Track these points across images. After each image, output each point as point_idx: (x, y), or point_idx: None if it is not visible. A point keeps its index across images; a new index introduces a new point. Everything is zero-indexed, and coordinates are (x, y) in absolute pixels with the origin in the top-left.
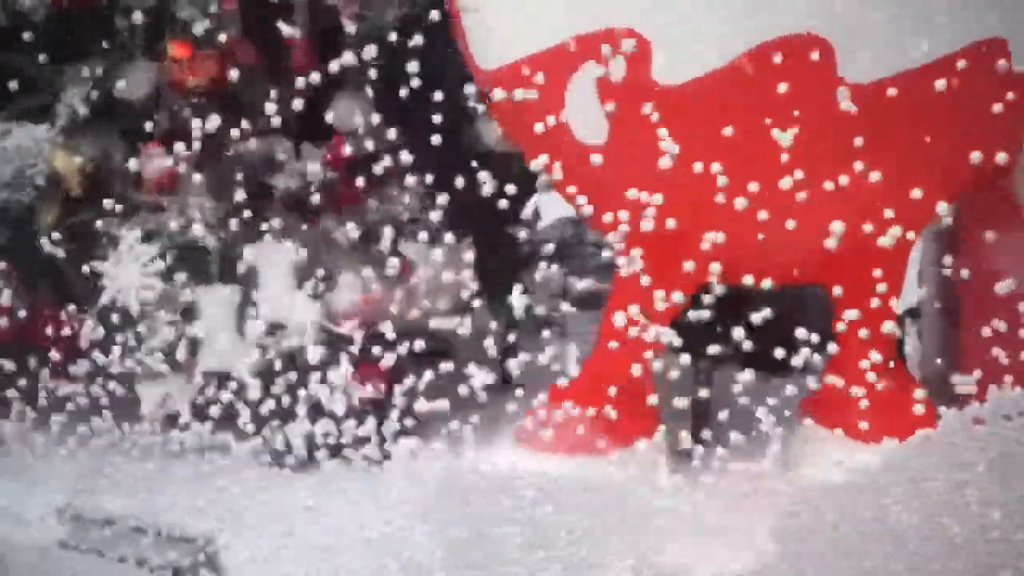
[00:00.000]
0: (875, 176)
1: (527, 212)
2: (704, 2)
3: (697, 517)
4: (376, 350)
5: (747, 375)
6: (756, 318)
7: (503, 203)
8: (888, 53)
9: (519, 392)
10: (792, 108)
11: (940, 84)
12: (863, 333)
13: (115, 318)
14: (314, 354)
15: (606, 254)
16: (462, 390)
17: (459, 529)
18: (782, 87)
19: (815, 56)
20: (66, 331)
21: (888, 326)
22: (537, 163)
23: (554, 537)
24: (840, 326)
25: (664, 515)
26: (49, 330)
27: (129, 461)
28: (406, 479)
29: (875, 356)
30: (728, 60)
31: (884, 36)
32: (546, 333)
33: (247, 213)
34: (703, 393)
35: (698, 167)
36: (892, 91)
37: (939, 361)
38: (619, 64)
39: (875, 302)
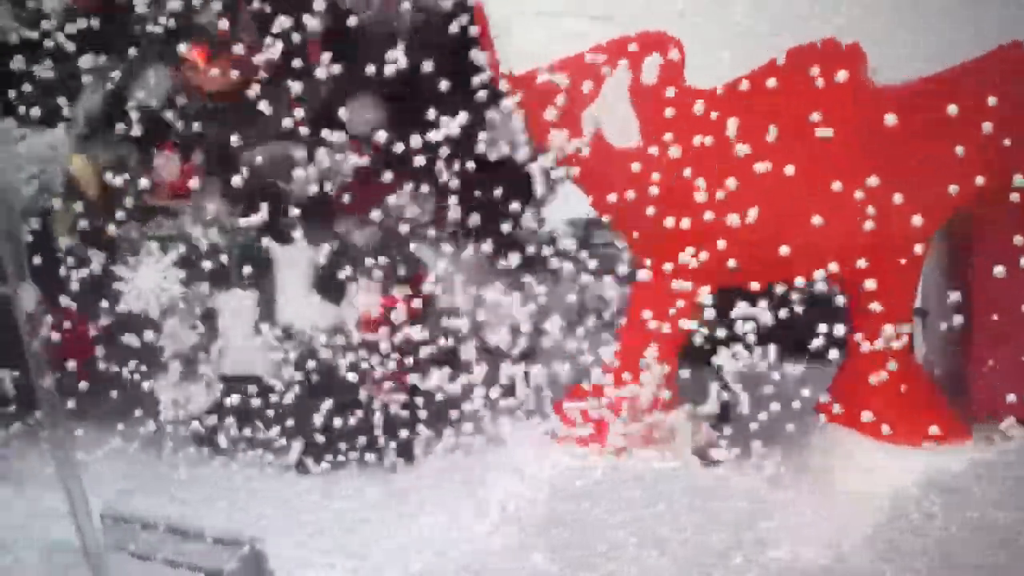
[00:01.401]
0: (898, 178)
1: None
2: (737, 5)
3: (801, 515)
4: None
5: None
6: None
7: (519, 205)
8: (916, 57)
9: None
10: (822, 111)
11: (965, 88)
12: (878, 334)
13: (135, 322)
14: (334, 357)
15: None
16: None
17: (569, 530)
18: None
19: (845, 59)
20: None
21: (903, 327)
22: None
23: (664, 535)
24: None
25: (771, 512)
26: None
27: (173, 464)
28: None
29: (890, 358)
30: (761, 63)
31: (913, 40)
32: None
33: (264, 217)
34: (725, 395)
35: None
36: (919, 94)
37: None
38: (652, 67)
39: (890, 303)
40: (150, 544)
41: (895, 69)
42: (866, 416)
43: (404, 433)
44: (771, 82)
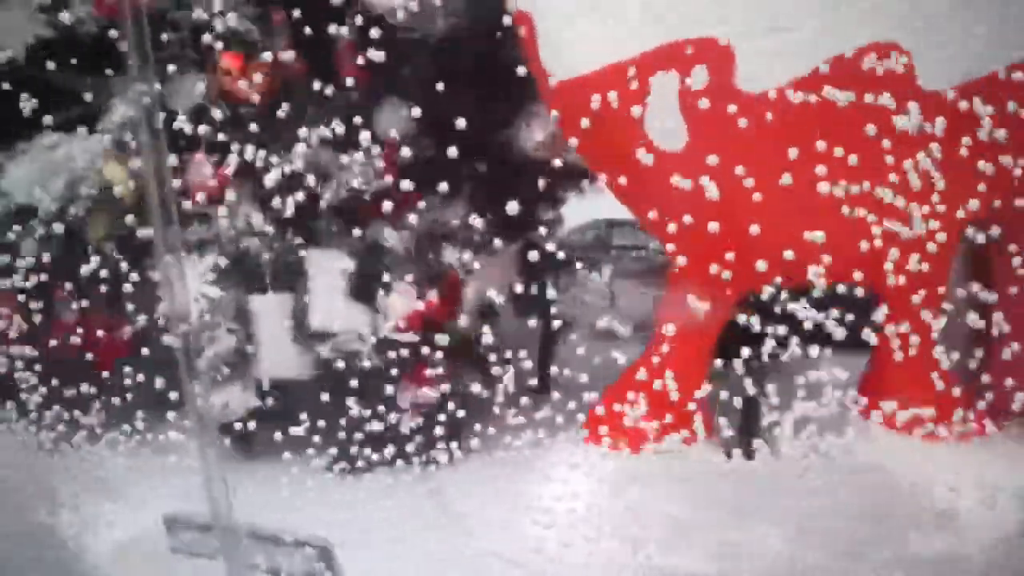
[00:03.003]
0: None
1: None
2: (786, 10)
3: (948, 507)
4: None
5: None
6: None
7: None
8: (964, 61)
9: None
10: (872, 116)
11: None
12: (905, 332)
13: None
14: (368, 359)
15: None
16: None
17: (720, 523)
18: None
19: (896, 64)
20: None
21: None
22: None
23: (814, 525)
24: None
25: (921, 503)
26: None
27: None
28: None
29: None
30: (810, 69)
31: (961, 44)
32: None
33: (297, 222)
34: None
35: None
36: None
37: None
38: (701, 73)
39: (919, 302)
40: (214, 547)
41: (941, 74)
42: (900, 414)
43: (440, 434)
44: (820, 85)
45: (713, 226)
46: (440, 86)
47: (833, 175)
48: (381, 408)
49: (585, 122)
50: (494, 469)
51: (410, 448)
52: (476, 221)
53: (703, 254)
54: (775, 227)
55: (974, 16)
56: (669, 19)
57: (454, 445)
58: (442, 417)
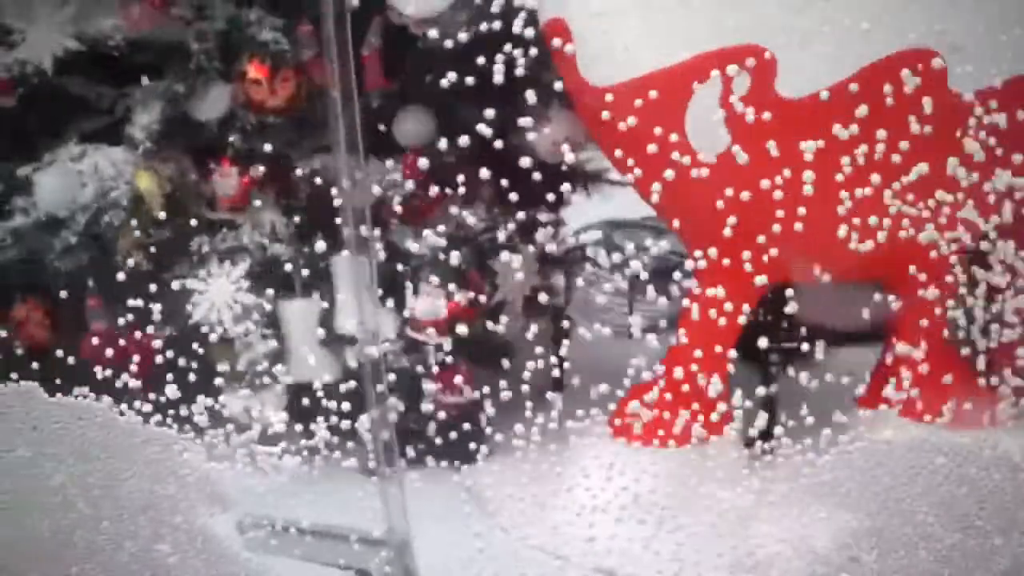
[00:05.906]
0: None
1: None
2: (825, 17)
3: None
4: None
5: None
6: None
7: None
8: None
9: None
10: (906, 119)
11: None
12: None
13: (206, 334)
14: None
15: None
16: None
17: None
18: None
19: (927, 69)
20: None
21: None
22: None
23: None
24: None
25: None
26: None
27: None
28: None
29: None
30: (848, 74)
31: (993, 48)
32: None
33: (322, 227)
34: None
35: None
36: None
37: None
38: (743, 80)
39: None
40: (290, 545)
41: (975, 77)
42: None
43: (469, 432)
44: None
45: (747, 227)
46: (463, 95)
47: (864, 175)
48: (411, 409)
49: (623, 128)
50: (526, 465)
51: (443, 447)
52: (499, 221)
53: (735, 255)
54: (808, 227)
55: (1006, 20)
56: (711, 26)
57: (486, 442)
58: (473, 415)
